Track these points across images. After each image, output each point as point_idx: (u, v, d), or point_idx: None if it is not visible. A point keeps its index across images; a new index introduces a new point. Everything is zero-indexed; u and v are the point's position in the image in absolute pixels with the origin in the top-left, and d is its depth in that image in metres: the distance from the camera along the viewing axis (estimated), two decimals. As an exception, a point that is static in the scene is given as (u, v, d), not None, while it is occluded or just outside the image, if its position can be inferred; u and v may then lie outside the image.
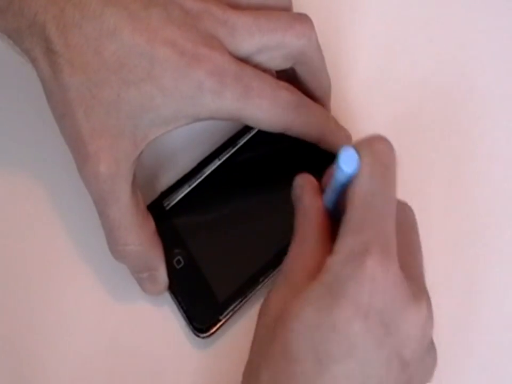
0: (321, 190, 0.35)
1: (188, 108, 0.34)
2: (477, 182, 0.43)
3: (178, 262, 0.39)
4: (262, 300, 0.39)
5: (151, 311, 0.40)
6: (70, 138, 0.35)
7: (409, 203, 0.36)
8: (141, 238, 0.37)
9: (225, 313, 0.39)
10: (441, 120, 0.43)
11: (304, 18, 0.37)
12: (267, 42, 0.36)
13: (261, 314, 0.33)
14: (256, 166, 0.41)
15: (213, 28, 0.35)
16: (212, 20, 0.35)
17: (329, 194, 0.34)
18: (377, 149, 0.31)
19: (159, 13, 0.34)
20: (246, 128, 0.41)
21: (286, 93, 0.36)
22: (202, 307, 0.39)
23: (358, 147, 0.31)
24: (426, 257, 0.34)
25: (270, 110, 0.36)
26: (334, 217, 0.34)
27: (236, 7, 0.36)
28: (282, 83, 0.37)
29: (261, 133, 0.40)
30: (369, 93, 0.43)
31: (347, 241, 0.30)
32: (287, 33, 0.36)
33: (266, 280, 0.39)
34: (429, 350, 0.32)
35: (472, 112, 0.43)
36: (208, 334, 0.39)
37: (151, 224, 0.38)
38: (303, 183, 0.35)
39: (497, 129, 0.43)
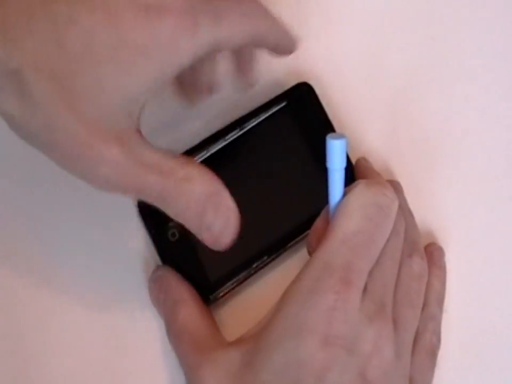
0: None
1: (169, 59, 0.32)
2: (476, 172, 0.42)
3: (173, 235, 0.39)
4: (254, 286, 0.39)
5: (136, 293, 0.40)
6: (68, 153, 0.31)
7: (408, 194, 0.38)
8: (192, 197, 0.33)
9: (215, 293, 0.38)
10: (441, 110, 0.42)
11: None
12: None
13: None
14: (262, 153, 0.40)
15: None
16: None
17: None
18: (375, 189, 0.32)
19: None
20: (257, 111, 0.40)
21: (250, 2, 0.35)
22: (193, 284, 0.38)
23: (357, 184, 0.33)
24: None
25: (241, 24, 0.34)
26: None
27: None
28: None
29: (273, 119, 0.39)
30: (365, 82, 0.42)
31: (312, 270, 0.32)
32: None
33: (260, 266, 0.39)
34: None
35: (472, 107, 0.42)
36: None
37: (194, 166, 0.34)
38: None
39: (498, 124, 0.42)
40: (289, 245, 0.39)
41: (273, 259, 0.39)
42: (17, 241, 0.40)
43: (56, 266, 0.40)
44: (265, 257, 0.39)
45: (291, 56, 0.38)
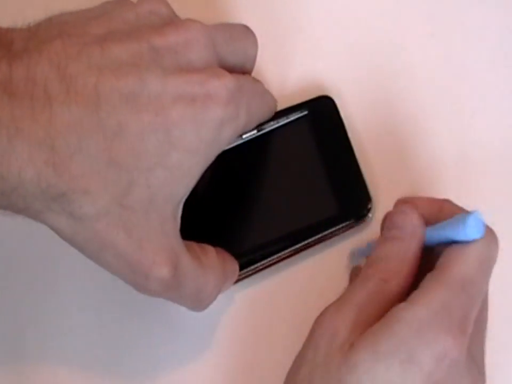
0: None
1: (214, 150, 0.32)
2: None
3: None
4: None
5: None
6: (119, 266, 0.31)
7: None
8: (219, 277, 0.35)
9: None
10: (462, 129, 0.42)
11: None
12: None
13: (318, 324, 0.32)
14: (277, 155, 0.40)
15: (199, 57, 0.32)
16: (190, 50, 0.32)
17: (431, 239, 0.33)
18: (492, 244, 0.32)
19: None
20: (277, 115, 0.40)
21: (260, 84, 0.37)
22: None
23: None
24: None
25: (260, 106, 0.37)
26: None
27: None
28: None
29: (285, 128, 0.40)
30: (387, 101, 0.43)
31: (432, 302, 0.30)
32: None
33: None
34: None
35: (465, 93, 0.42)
36: None
37: (211, 251, 0.35)
38: (409, 211, 0.34)
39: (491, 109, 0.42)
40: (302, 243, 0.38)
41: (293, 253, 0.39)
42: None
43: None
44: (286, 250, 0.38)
45: (316, 70, 0.41)
